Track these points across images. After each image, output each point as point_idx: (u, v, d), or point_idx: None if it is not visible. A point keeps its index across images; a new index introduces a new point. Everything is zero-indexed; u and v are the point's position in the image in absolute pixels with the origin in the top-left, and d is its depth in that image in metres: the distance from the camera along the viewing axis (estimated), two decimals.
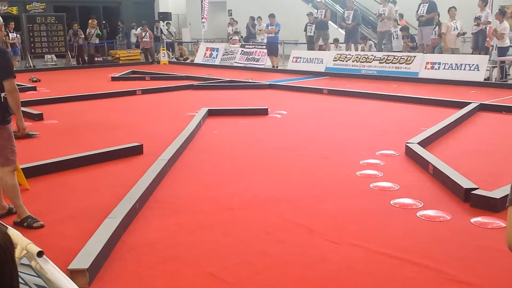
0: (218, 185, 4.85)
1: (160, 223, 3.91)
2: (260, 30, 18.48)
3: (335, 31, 18.07)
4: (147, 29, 19.80)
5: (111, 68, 17.92)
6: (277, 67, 16.74)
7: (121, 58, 20.96)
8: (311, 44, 16.95)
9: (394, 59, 13.88)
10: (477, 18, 13.27)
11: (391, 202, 4.27)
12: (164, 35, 21.44)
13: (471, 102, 8.65)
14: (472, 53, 13.64)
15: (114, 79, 14.20)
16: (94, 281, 2.99)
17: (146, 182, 4.50)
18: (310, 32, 16.90)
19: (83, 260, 3.04)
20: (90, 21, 20.17)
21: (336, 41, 16.91)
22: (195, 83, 12.66)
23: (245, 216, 4.05)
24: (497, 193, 4.10)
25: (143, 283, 3.02)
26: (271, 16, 16.65)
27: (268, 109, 8.69)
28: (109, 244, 3.34)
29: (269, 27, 16.77)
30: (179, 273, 3.13)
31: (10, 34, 17.25)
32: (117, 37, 23.21)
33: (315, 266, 3.20)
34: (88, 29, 19.84)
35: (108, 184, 4.90)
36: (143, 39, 19.78)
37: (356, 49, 15.84)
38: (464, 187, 4.25)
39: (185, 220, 3.98)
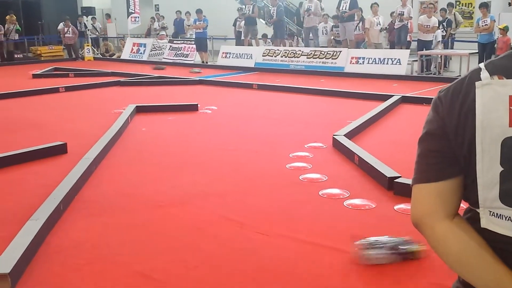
0: (147, 183, 4.76)
1: (86, 223, 3.78)
2: (188, 26, 18.32)
3: (264, 27, 18.25)
4: (70, 24, 19.08)
5: (32, 65, 17.09)
6: (206, 62, 16.66)
7: (42, 55, 20.06)
8: (239, 39, 17.01)
9: (321, 54, 14.20)
10: (400, 14, 13.87)
11: (320, 193, 4.37)
12: (89, 30, 20.77)
13: (394, 95, 9.02)
14: (394, 48, 14.23)
15: (35, 76, 13.58)
16: (17, 285, 2.85)
17: (70, 182, 4.33)
18: (240, 28, 16.97)
19: (4, 264, 2.88)
20: (8, 16, 19.19)
21: (264, 36, 17.08)
22: (122, 79, 12.34)
23: (175, 213, 3.99)
24: None
25: (70, 286, 2.90)
26: (199, 11, 16.57)
27: (198, 105, 8.63)
28: (32, 247, 3.19)
29: (197, 23, 16.67)
30: (107, 273, 3.04)
31: None
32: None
33: (246, 259, 3.21)
34: (6, 25, 18.87)
35: (30, 185, 4.68)
36: (66, 35, 19.05)
37: (284, 45, 16.07)
38: (388, 176, 4.41)
39: (112, 219, 3.87)
